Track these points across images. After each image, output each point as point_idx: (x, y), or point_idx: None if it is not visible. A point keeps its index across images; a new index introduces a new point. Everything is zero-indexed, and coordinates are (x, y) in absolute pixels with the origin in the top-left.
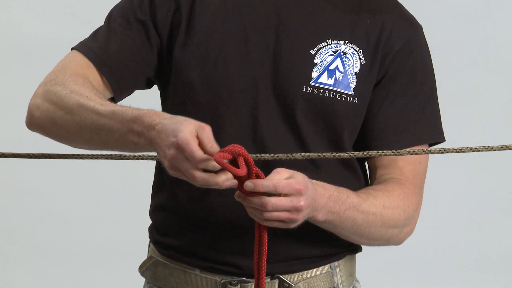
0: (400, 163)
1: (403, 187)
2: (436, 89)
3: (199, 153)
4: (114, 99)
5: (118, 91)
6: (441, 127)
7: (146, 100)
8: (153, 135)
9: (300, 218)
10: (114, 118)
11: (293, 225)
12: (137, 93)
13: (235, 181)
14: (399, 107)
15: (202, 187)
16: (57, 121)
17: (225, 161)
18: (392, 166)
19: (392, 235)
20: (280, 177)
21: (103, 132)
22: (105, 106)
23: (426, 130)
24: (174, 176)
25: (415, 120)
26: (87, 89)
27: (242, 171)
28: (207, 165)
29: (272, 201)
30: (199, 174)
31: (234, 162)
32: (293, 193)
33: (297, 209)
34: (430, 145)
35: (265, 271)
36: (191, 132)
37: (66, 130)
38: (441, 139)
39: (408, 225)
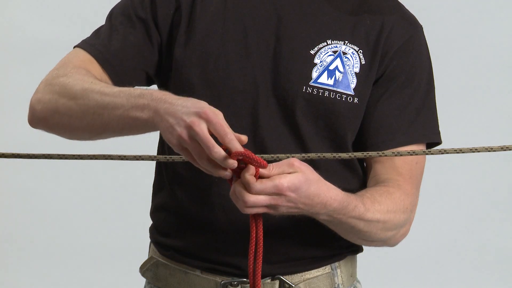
0: (397, 162)
1: (402, 188)
2: (434, 89)
3: (229, 129)
4: None
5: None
6: (438, 128)
7: None
8: (163, 106)
9: (278, 213)
10: (119, 96)
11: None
12: None
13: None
14: (395, 106)
15: (207, 168)
16: (59, 109)
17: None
18: (389, 165)
19: (389, 237)
20: (286, 169)
21: (106, 112)
22: (111, 87)
23: (421, 130)
24: (173, 148)
25: (410, 119)
26: (91, 78)
27: (265, 162)
28: (232, 142)
29: (251, 199)
30: (219, 150)
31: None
32: (270, 193)
33: (274, 207)
34: (428, 145)
35: (261, 260)
36: (219, 113)
37: (68, 116)
38: (437, 140)
39: (404, 226)
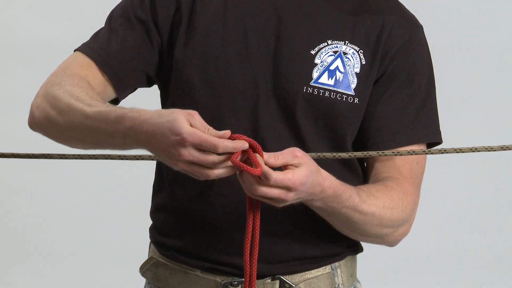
0: (398, 162)
1: (401, 186)
2: (434, 89)
3: (213, 138)
4: (117, 99)
5: (121, 90)
6: (438, 128)
7: (146, 100)
8: (143, 138)
9: (282, 205)
10: (99, 119)
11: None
12: (138, 93)
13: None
14: (395, 106)
15: (213, 178)
16: (51, 121)
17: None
18: (389, 164)
19: (386, 234)
20: (290, 160)
21: (92, 133)
22: (92, 107)
23: (422, 130)
24: (184, 174)
25: (411, 119)
26: (79, 89)
27: (258, 170)
28: (226, 148)
29: (262, 189)
30: (218, 158)
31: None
32: (282, 187)
33: (281, 200)
34: (428, 145)
35: (257, 252)
36: (188, 123)
37: (60, 130)
38: (438, 140)
39: (403, 225)
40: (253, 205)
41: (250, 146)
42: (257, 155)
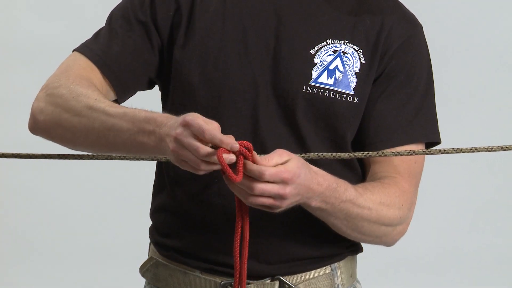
0: (396, 161)
1: (398, 184)
2: (433, 89)
3: (207, 126)
4: (117, 101)
5: (121, 92)
6: (437, 127)
7: (147, 101)
8: (164, 130)
9: (284, 205)
10: (124, 119)
11: (276, 211)
12: (138, 93)
13: (232, 157)
14: (394, 105)
15: (203, 170)
16: (62, 124)
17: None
18: (387, 164)
19: (385, 233)
20: (278, 160)
21: (111, 133)
22: (115, 108)
23: (420, 129)
24: (176, 165)
25: (409, 119)
26: (95, 92)
27: (238, 177)
28: (214, 137)
29: (259, 186)
30: (204, 148)
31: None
32: (279, 181)
33: (281, 197)
34: (427, 145)
35: (246, 256)
36: (200, 116)
37: (72, 132)
38: (436, 139)
39: (401, 224)
40: (241, 209)
41: (241, 152)
42: (248, 162)
